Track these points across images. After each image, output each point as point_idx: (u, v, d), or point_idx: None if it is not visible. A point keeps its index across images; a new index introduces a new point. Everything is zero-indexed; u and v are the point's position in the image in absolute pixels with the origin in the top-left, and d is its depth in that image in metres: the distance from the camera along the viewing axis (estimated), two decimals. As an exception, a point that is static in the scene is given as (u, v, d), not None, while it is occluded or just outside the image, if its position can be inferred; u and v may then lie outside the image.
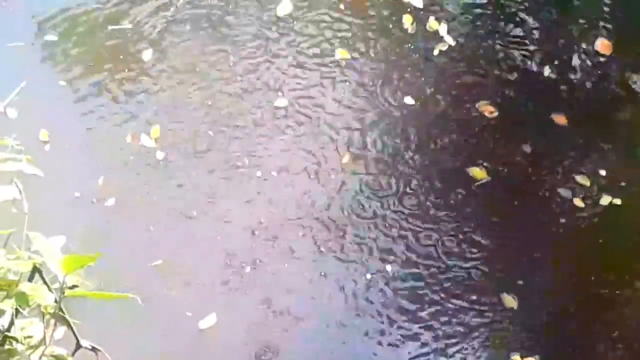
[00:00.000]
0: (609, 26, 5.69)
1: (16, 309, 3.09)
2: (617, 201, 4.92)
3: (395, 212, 4.80)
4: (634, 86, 5.42)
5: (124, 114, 5.20)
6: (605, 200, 4.93)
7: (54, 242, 3.06)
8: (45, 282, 3.15)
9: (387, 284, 4.52)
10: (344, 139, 5.10)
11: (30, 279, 3.15)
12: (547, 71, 5.51)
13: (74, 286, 3.07)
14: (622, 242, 4.82)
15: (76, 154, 4.98)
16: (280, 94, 5.31)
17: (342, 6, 5.81)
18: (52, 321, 3.32)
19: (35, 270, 3.14)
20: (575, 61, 5.60)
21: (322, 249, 4.66)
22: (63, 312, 3.17)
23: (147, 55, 5.49)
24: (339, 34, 5.65)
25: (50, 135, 5.02)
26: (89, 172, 4.88)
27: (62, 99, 5.29)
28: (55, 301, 3.07)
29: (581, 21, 5.80)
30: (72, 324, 3.43)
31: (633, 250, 4.79)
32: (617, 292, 4.62)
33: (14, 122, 4.93)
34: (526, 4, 5.87)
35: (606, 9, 5.78)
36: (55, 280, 3.09)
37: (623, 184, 5.00)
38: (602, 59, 5.57)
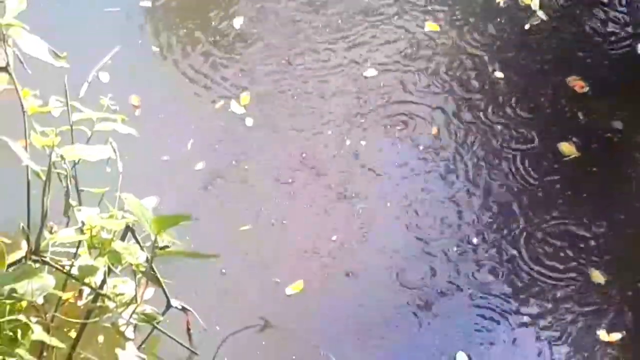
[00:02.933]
0: None
1: (109, 267, 3.16)
2: None
3: (479, 185, 4.77)
4: None
5: (214, 81, 5.26)
6: (697, 179, 4.86)
7: (146, 203, 3.11)
8: (137, 241, 3.22)
9: (472, 257, 4.50)
10: (430, 112, 5.08)
11: (123, 238, 3.22)
12: (641, 49, 5.44)
13: (165, 247, 3.12)
14: None
15: (166, 119, 5.05)
16: (368, 64, 5.31)
17: (433, -22, 5.81)
18: (143, 280, 3.39)
19: (128, 229, 3.21)
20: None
21: (398, 225, 4.66)
22: (154, 272, 3.23)
23: (239, 22, 5.53)
24: (429, 7, 5.63)
25: (142, 100, 5.09)
26: (178, 136, 4.95)
27: (153, 64, 5.38)
28: (147, 260, 3.13)
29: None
30: (163, 284, 3.50)
31: None
32: None
33: (106, 86, 5.00)
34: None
35: None
36: (147, 240, 3.15)
37: None
38: (699, 38, 5.48)
